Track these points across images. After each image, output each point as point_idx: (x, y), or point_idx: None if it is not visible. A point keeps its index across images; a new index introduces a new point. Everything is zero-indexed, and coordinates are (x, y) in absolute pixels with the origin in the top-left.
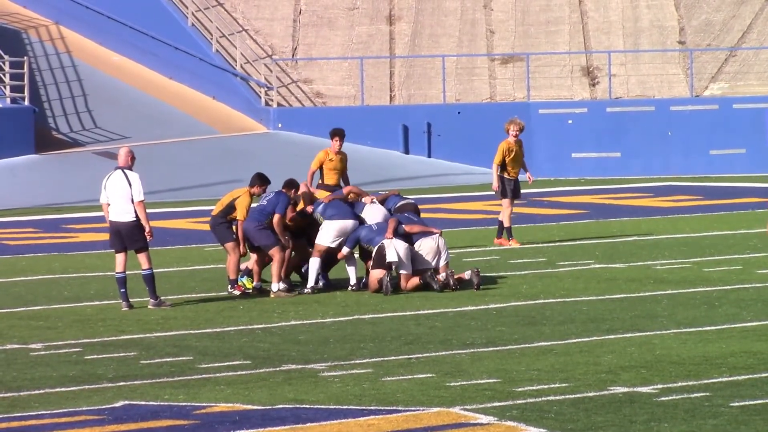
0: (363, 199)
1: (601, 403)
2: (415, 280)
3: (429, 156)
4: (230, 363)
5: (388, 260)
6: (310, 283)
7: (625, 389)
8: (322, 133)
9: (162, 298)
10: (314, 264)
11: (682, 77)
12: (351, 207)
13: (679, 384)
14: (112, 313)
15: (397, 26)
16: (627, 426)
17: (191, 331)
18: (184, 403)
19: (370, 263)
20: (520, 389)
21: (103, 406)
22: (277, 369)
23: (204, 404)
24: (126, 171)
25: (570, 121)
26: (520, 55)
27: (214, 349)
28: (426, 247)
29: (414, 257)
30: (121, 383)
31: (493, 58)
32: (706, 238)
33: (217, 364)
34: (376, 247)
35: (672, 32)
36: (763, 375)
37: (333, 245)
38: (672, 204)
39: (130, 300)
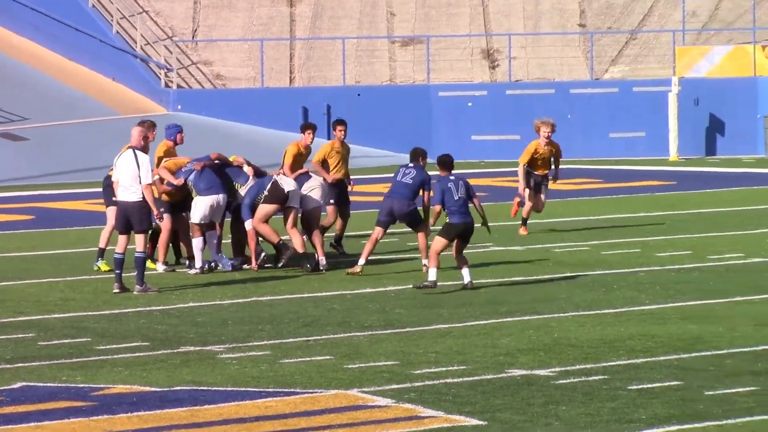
0: (245, 169)
1: (498, 385)
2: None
3: (328, 138)
4: (128, 345)
5: (286, 190)
6: (197, 263)
7: (523, 372)
8: (221, 114)
9: (148, 284)
10: (197, 245)
11: (583, 60)
12: (222, 177)
13: (577, 367)
14: (10, 294)
15: (298, 8)
16: (525, 408)
17: (89, 313)
18: (81, 385)
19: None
20: (418, 372)
21: (1, 388)
22: (175, 351)
23: (102, 386)
24: (136, 151)
25: (470, 104)
26: (420, 38)
27: (112, 331)
28: (310, 184)
29: (303, 198)
30: (19, 364)
31: (394, 40)
32: (605, 221)
33: (114, 346)
34: (269, 184)
35: (573, 15)
36: (661, 358)
37: (202, 222)
38: (572, 187)
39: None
